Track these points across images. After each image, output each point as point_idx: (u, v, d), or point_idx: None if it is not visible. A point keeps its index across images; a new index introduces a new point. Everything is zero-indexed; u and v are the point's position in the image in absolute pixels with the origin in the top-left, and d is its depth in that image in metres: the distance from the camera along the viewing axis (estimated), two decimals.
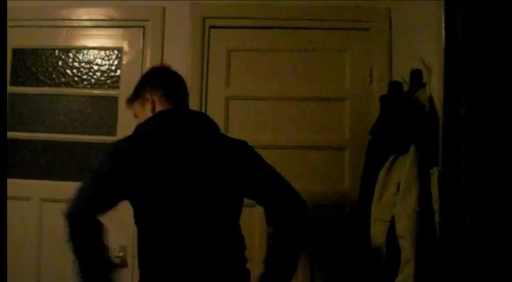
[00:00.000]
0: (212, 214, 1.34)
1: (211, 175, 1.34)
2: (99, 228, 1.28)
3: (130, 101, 1.50)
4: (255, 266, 1.41)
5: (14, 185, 2.08)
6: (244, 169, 1.40)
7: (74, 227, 1.25)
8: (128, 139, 1.36)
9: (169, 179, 1.30)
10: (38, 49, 2.29)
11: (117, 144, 1.37)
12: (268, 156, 1.48)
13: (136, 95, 1.48)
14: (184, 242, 1.30)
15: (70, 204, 1.27)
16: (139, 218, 1.35)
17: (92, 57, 2.28)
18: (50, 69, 2.29)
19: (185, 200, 1.31)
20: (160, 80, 1.47)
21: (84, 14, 2.25)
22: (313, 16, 2.22)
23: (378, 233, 1.67)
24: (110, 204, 1.32)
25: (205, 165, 1.34)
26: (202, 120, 1.44)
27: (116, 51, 2.27)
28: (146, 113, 1.43)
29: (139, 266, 1.35)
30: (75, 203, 1.28)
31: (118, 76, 2.26)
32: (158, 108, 1.42)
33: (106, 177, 1.30)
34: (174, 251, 1.31)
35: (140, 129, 1.38)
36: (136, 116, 1.49)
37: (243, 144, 1.45)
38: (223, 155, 1.38)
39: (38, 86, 2.28)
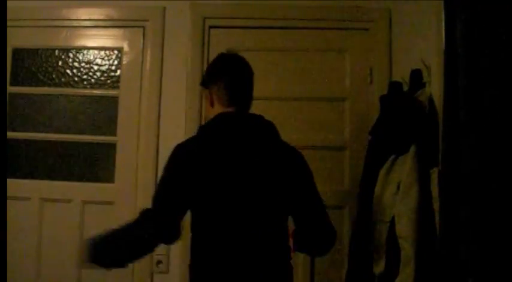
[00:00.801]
0: (267, 218, 1.38)
1: (269, 182, 1.38)
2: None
3: (202, 85, 1.57)
4: None
5: (14, 185, 2.09)
6: (297, 183, 1.44)
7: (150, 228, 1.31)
8: (190, 143, 1.40)
9: (230, 185, 1.34)
10: (38, 49, 2.29)
11: (179, 149, 1.38)
12: None
13: (203, 84, 1.54)
14: (240, 243, 1.33)
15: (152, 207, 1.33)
16: (197, 221, 1.37)
17: (92, 57, 2.28)
18: (50, 69, 2.29)
19: (243, 208, 1.34)
20: (222, 77, 1.46)
21: (84, 14, 2.25)
22: (313, 16, 2.22)
23: (378, 233, 1.67)
24: (178, 209, 1.35)
25: (264, 174, 1.37)
26: (266, 128, 1.46)
27: (116, 51, 2.27)
28: (208, 105, 1.49)
29: (192, 268, 1.38)
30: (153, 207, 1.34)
31: (118, 76, 2.26)
32: (217, 106, 1.44)
33: (171, 183, 1.35)
34: (228, 251, 1.33)
35: (203, 133, 1.41)
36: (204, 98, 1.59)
37: (301, 158, 1.49)
38: (282, 166, 1.42)
39: (38, 86, 2.28)
